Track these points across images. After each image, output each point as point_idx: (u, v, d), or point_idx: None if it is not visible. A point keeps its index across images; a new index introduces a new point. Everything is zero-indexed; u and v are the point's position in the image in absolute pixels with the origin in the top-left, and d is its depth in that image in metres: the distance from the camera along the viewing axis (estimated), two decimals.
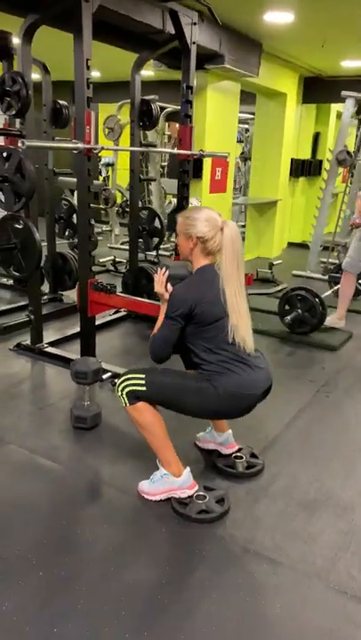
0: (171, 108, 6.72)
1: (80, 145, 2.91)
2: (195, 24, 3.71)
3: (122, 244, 7.41)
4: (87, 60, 2.92)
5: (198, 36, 3.91)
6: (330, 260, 6.27)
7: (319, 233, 6.19)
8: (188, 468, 2.14)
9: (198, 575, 1.80)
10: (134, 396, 2.06)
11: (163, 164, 8.04)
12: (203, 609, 1.67)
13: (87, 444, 2.59)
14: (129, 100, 6.72)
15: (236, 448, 2.47)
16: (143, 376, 2.06)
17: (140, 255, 4.75)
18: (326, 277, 5.86)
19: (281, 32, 5.13)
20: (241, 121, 8.20)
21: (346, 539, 1.99)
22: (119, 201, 8.43)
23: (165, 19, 3.92)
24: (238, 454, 2.45)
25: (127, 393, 2.07)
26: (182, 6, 3.64)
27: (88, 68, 2.93)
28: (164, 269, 2.15)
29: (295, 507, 2.17)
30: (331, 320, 4.28)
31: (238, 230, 2.08)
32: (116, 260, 6.29)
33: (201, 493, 2.14)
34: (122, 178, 7.95)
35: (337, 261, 6.15)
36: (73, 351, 3.60)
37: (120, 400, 2.09)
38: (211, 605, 1.68)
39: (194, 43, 3.74)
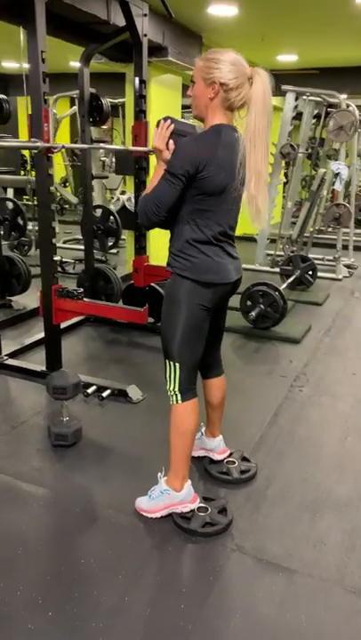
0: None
1: (39, 144, 2.72)
2: (145, 15, 3.59)
3: (64, 242, 7.15)
4: (42, 52, 2.74)
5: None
6: (277, 253, 6.39)
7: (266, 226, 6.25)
8: (189, 481, 2.06)
9: (217, 594, 1.74)
10: (186, 385, 1.96)
11: (102, 158, 7.85)
12: (229, 630, 1.61)
13: (71, 462, 2.44)
14: (67, 94, 6.48)
15: (228, 453, 2.42)
16: (167, 361, 1.97)
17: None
18: (275, 270, 5.96)
19: (222, 25, 5.10)
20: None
21: (351, 538, 2.00)
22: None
23: (110, 9, 3.77)
24: (230, 459, 2.40)
25: (178, 386, 1.96)
26: None
27: (43, 61, 2.75)
28: (168, 122, 1.80)
29: (296, 509, 2.16)
30: None
31: (270, 83, 1.76)
32: (63, 260, 6.04)
33: (202, 505, 2.08)
34: (55, 173, 7.66)
35: (282, 254, 6.28)
36: (36, 362, 3.41)
37: (172, 398, 1.99)
38: (237, 625, 1.62)
39: (145, 35, 3.62)
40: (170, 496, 2.04)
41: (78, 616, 1.63)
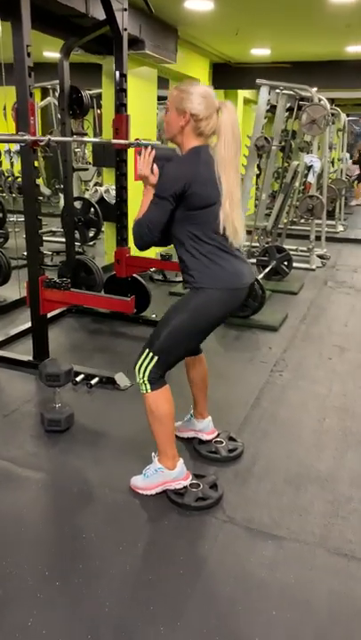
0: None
1: (27, 137, 2.77)
2: (125, 10, 3.64)
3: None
4: (27, 46, 2.78)
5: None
6: (252, 244, 6.54)
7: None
8: (181, 460, 2.18)
9: (212, 560, 1.87)
10: (155, 376, 2.04)
11: (75, 150, 7.84)
12: (226, 592, 1.74)
13: (65, 446, 2.53)
14: (41, 84, 6.43)
15: (216, 433, 2.55)
16: (147, 350, 2.05)
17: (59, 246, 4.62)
18: (251, 260, 6.10)
19: (198, 19, 5.18)
20: None
21: (333, 507, 2.16)
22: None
23: (89, 3, 3.81)
24: (218, 439, 2.53)
25: (148, 376, 2.04)
26: None
27: (29, 54, 2.79)
28: (150, 148, 1.96)
29: (282, 483, 2.30)
30: None
31: (237, 113, 1.98)
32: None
33: (194, 482, 2.20)
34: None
35: (258, 245, 6.43)
36: (21, 352, 3.47)
37: (142, 387, 2.07)
38: (233, 588, 1.76)
39: (125, 29, 3.68)
40: (164, 474, 2.16)
41: (84, 585, 1.74)
